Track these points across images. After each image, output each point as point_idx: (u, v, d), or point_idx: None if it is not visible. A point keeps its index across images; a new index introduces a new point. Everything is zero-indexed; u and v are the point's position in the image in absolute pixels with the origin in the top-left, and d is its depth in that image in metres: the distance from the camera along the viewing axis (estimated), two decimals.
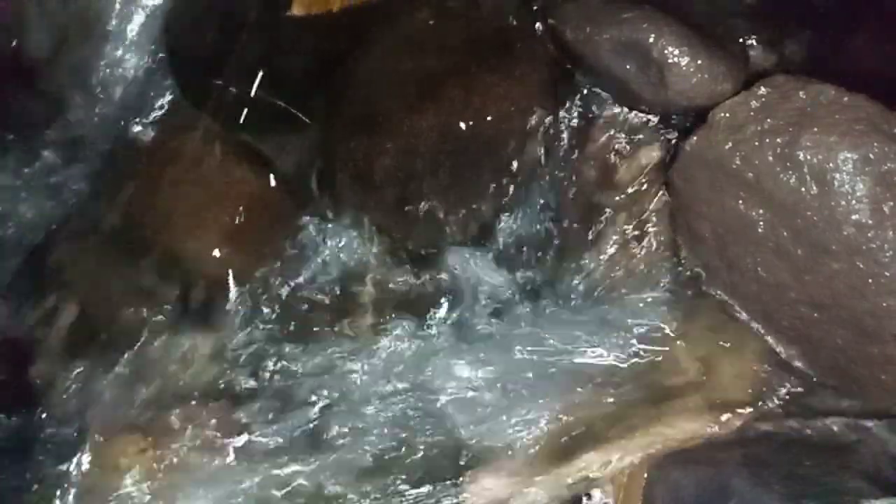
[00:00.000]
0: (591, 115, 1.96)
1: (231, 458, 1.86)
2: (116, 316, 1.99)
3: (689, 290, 1.87)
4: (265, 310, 1.98)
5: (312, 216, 2.03)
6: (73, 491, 1.85)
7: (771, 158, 1.63)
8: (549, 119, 1.95)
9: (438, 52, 1.98)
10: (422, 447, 1.82)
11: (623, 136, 1.93)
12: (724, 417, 1.75)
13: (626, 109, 1.94)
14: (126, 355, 1.95)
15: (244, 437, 1.88)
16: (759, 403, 1.76)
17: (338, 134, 2.00)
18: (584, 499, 1.76)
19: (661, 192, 1.89)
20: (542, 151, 1.96)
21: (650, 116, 1.92)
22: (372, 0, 2.08)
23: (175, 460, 1.86)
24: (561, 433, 1.80)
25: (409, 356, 1.91)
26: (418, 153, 1.93)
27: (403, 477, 1.80)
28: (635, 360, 1.83)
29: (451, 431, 1.83)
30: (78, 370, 1.96)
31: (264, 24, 2.11)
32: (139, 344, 1.96)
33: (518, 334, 1.90)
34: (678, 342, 1.84)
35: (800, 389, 1.76)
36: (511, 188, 1.97)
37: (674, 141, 1.88)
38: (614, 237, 1.91)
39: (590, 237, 1.93)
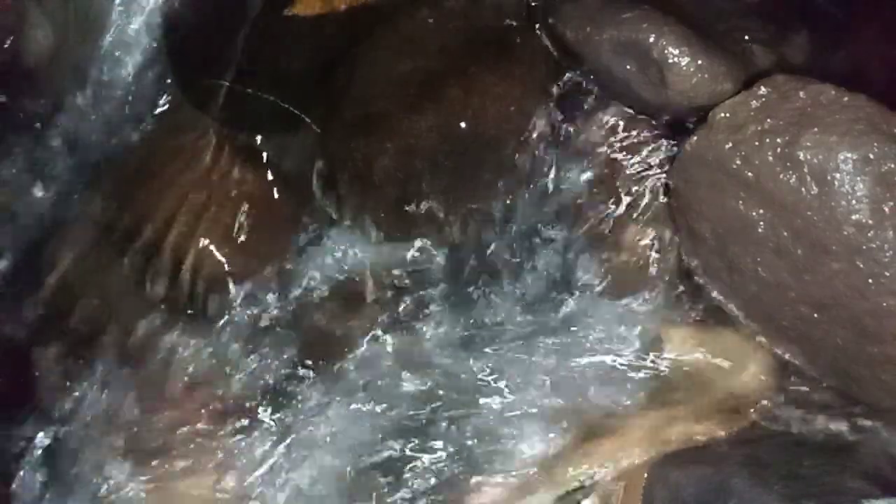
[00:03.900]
0: (590, 115, 1.96)
1: (229, 458, 1.86)
2: (116, 316, 1.99)
3: (689, 290, 1.87)
4: (265, 310, 1.98)
5: (312, 216, 2.03)
6: (72, 491, 1.85)
7: (771, 158, 1.63)
8: (548, 119, 1.95)
9: (438, 52, 1.98)
10: (416, 453, 1.82)
11: (623, 136, 1.93)
12: (724, 417, 1.75)
13: (625, 109, 1.94)
14: (125, 355, 1.96)
15: (242, 437, 1.88)
16: (759, 403, 1.76)
17: (338, 134, 2.00)
18: (584, 499, 1.76)
19: (661, 192, 1.89)
20: (542, 152, 1.96)
21: (650, 116, 1.92)
22: (372, 0, 2.08)
23: (174, 461, 1.87)
24: (561, 434, 1.80)
25: (409, 358, 1.91)
26: (418, 153, 1.93)
27: (402, 483, 1.80)
28: (635, 360, 1.83)
29: (450, 434, 1.83)
30: (78, 370, 1.96)
31: (264, 24, 2.11)
32: (139, 344, 1.96)
33: (517, 336, 1.90)
34: (678, 342, 1.83)
35: (800, 389, 1.76)
36: (511, 188, 1.97)
37: (674, 141, 1.88)
38: (614, 237, 1.91)
39: (589, 237, 1.93)
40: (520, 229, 1.97)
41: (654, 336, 1.85)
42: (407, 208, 1.96)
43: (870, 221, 1.57)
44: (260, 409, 1.90)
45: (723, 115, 1.71)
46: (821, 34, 1.88)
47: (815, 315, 1.69)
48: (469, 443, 1.82)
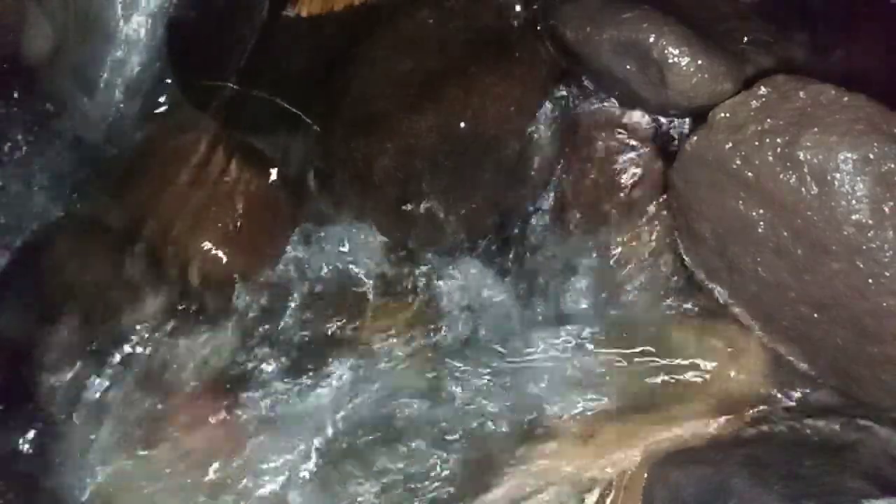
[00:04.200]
0: (590, 115, 1.96)
1: (228, 459, 1.86)
2: (116, 316, 1.99)
3: (689, 290, 1.87)
4: (265, 310, 1.98)
5: (312, 216, 2.03)
6: (72, 492, 1.86)
7: (771, 158, 1.63)
8: (548, 119, 1.95)
9: (438, 52, 1.98)
10: (418, 452, 1.82)
11: (623, 136, 1.93)
12: (724, 417, 1.75)
13: (626, 109, 1.94)
14: (125, 355, 1.95)
15: (241, 438, 1.88)
16: (759, 403, 1.76)
17: (338, 134, 2.00)
18: (585, 499, 1.76)
19: (661, 193, 1.89)
20: (542, 152, 1.96)
21: (650, 116, 1.91)
22: (372, 0, 2.08)
23: (173, 462, 1.87)
24: (561, 434, 1.80)
25: (409, 358, 1.91)
26: (418, 153, 1.94)
27: (399, 483, 1.80)
28: (635, 360, 1.83)
29: (449, 436, 1.83)
30: (78, 371, 1.96)
31: (264, 24, 2.11)
32: (138, 344, 1.96)
33: (517, 335, 1.90)
34: (678, 342, 1.83)
35: (800, 389, 1.76)
36: (511, 188, 1.97)
37: (674, 141, 1.88)
38: (614, 237, 1.91)
39: (589, 237, 1.93)
40: (519, 229, 1.97)
41: (653, 336, 1.85)
42: (407, 208, 1.96)
43: (870, 221, 1.57)
44: (258, 409, 1.90)
45: (723, 115, 1.71)
46: (821, 34, 1.88)
47: (815, 315, 1.68)
48: (469, 443, 1.82)
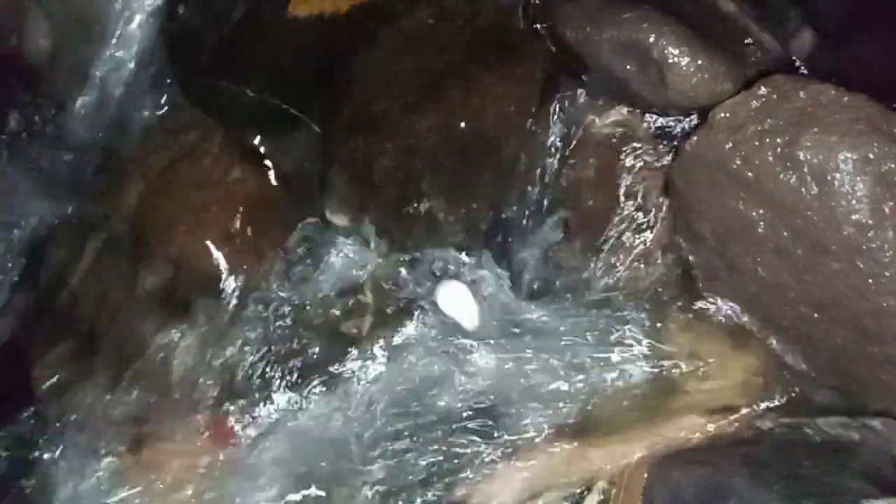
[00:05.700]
0: (590, 115, 1.96)
1: (227, 459, 1.86)
2: (116, 316, 1.99)
3: (690, 289, 1.87)
4: (265, 310, 1.98)
5: (312, 216, 2.03)
6: (72, 492, 1.86)
7: (771, 158, 1.63)
8: (548, 119, 1.95)
9: (438, 52, 1.98)
10: (421, 451, 1.82)
11: (623, 136, 1.93)
12: (724, 417, 1.75)
13: (626, 109, 1.94)
14: (125, 356, 1.96)
15: (241, 438, 1.88)
16: (759, 403, 1.76)
17: (338, 134, 2.00)
18: (584, 499, 1.76)
19: (661, 193, 1.89)
20: (542, 152, 1.96)
21: (650, 116, 1.91)
22: (372, 0, 2.08)
23: (172, 462, 1.87)
24: (561, 434, 1.80)
25: (408, 358, 1.91)
26: (418, 153, 1.94)
27: (402, 482, 1.80)
28: (635, 360, 1.83)
29: (450, 435, 1.83)
30: (78, 371, 1.96)
31: (264, 24, 2.11)
32: (139, 344, 1.96)
33: (517, 336, 1.90)
34: (678, 342, 1.84)
35: (800, 389, 1.76)
36: (510, 188, 1.97)
37: (674, 141, 1.88)
38: (614, 237, 1.91)
39: (590, 237, 1.93)
40: (519, 229, 1.97)
41: (653, 337, 1.85)
42: (407, 208, 1.96)
43: (870, 221, 1.57)
44: (257, 409, 1.90)
45: (723, 115, 1.71)
46: (821, 34, 1.88)
47: (815, 315, 1.69)
48: (470, 443, 1.82)
